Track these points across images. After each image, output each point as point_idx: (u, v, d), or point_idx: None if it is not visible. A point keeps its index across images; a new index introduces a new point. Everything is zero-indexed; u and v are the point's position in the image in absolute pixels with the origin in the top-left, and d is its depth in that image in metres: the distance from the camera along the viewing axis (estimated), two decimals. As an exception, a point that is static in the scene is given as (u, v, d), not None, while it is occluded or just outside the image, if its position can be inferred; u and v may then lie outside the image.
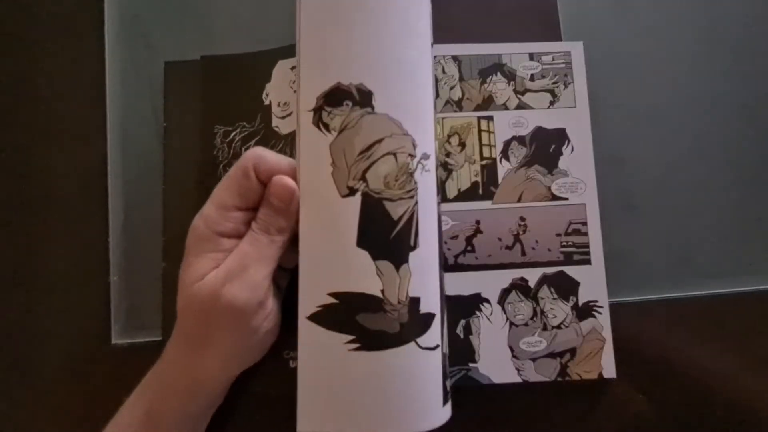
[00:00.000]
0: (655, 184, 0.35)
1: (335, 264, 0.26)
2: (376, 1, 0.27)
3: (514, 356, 0.32)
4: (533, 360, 0.32)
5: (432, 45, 0.28)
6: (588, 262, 0.33)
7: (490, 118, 0.34)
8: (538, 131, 0.34)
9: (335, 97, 0.26)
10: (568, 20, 0.36)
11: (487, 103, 0.34)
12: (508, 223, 0.33)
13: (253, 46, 0.34)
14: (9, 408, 0.33)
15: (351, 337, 0.25)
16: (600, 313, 0.33)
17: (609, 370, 0.32)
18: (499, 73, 0.35)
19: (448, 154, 0.34)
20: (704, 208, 0.35)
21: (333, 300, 0.26)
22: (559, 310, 0.32)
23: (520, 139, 0.34)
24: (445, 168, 0.34)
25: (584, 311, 0.33)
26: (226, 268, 0.25)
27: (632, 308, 0.34)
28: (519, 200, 0.33)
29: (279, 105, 0.33)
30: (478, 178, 0.34)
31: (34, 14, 0.37)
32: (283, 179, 0.26)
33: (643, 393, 0.33)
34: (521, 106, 0.34)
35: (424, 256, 0.26)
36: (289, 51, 0.28)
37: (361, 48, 0.27)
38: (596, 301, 0.33)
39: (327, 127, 0.26)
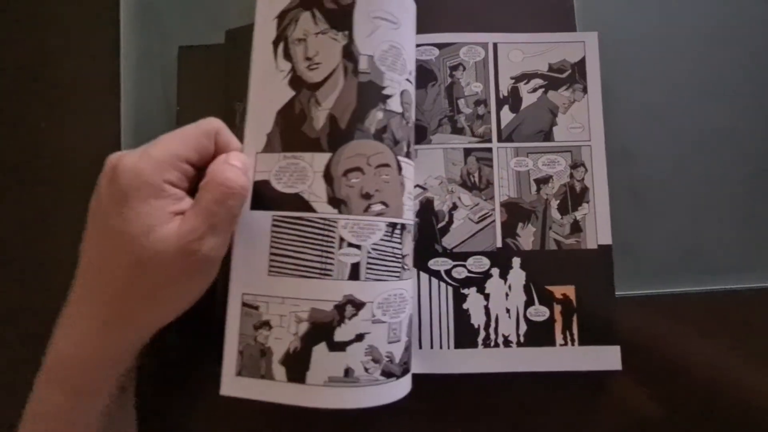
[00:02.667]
0: (664, 178, 0.35)
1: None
2: None
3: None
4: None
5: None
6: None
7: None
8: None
9: None
10: (582, 10, 0.36)
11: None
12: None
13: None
14: (20, 387, 0.34)
15: None
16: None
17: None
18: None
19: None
20: (713, 204, 0.35)
21: None
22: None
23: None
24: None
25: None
26: (191, 224, 0.25)
27: (638, 301, 0.34)
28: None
29: None
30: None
31: (50, -1, 0.37)
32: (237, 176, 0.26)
33: (647, 386, 0.33)
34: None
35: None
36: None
37: None
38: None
39: None
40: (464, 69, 0.34)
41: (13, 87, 0.36)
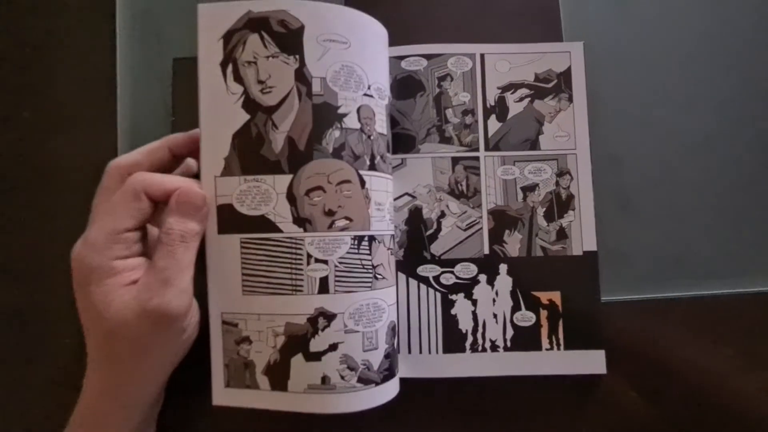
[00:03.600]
0: (651, 184, 0.36)
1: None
2: None
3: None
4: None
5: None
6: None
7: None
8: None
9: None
10: (569, 20, 0.36)
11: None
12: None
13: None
14: (18, 398, 0.34)
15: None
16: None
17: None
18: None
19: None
20: (699, 210, 0.36)
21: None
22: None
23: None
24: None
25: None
26: (147, 286, 0.26)
27: (625, 307, 0.34)
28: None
29: None
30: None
31: (47, 8, 0.38)
32: (188, 187, 0.28)
33: (635, 391, 0.34)
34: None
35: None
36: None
37: None
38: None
39: None
40: (452, 79, 0.35)
41: (10, 96, 0.37)
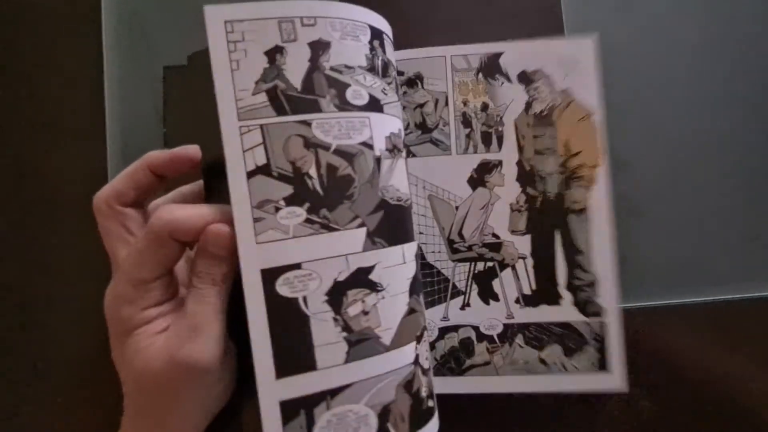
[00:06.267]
0: (661, 188, 0.35)
1: None
2: None
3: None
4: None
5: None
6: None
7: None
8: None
9: None
10: (571, 18, 0.36)
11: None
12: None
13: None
14: (24, 404, 0.34)
15: None
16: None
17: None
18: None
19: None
20: (711, 213, 0.35)
21: None
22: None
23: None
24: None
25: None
26: (177, 333, 0.24)
27: (638, 314, 0.34)
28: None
29: None
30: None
31: (30, 16, 0.37)
32: (216, 227, 0.24)
33: (649, 398, 0.34)
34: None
35: None
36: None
37: None
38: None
39: None
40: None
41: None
